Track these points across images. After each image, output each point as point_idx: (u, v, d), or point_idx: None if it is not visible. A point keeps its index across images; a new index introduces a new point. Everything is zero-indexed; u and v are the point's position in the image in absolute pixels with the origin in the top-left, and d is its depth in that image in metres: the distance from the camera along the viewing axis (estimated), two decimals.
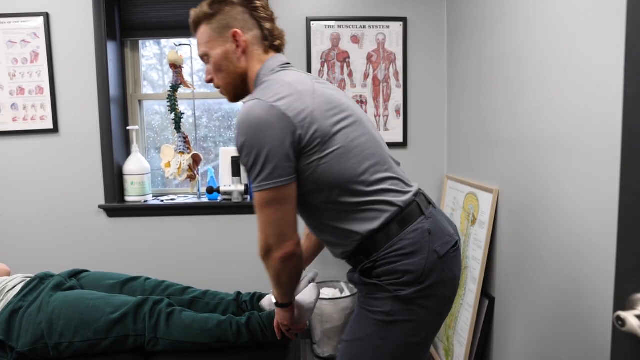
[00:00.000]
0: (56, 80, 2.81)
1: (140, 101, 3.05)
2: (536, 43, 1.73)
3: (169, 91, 2.79)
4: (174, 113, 2.80)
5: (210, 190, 2.80)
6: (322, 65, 2.75)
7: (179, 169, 2.77)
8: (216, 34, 1.30)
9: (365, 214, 1.22)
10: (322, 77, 2.76)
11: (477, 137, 2.33)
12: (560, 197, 1.59)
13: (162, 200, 2.87)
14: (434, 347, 2.54)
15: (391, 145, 2.79)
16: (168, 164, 2.80)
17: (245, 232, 2.86)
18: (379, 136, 1.32)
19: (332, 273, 2.86)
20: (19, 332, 1.55)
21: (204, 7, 1.31)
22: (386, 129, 2.80)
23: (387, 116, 2.79)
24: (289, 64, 1.34)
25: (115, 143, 2.84)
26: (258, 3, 1.32)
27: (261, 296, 1.86)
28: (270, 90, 1.18)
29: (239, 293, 1.89)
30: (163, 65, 3.08)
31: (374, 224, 1.21)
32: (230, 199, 2.79)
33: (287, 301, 1.40)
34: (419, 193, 1.30)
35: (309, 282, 1.85)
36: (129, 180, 2.81)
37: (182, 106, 2.89)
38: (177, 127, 2.81)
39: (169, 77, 2.93)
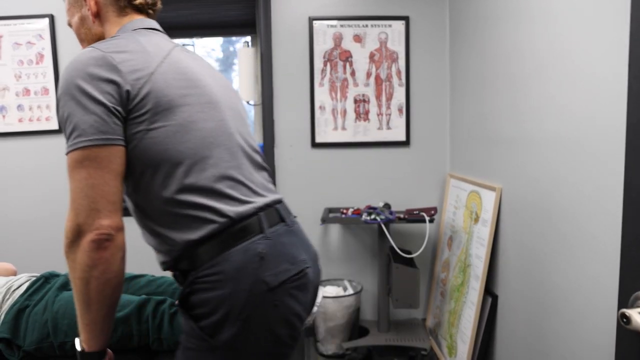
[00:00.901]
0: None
1: None
2: (538, 41, 1.73)
3: None
4: None
5: None
6: (325, 65, 2.76)
7: None
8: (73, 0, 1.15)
9: (185, 220, 0.98)
10: (324, 76, 2.77)
11: (480, 136, 2.33)
12: (563, 195, 1.60)
13: None
14: (438, 345, 2.55)
15: (394, 144, 2.80)
16: None
17: None
18: (239, 130, 1.10)
19: (335, 271, 2.87)
20: (25, 331, 1.56)
21: None
22: (389, 128, 2.80)
23: (390, 115, 2.80)
24: (156, 29, 1.15)
25: None
26: None
27: None
28: (112, 42, 0.99)
29: None
30: None
31: (194, 234, 0.97)
32: None
33: (99, 346, 0.98)
34: (269, 206, 1.05)
35: None
36: None
37: None
38: None
39: None
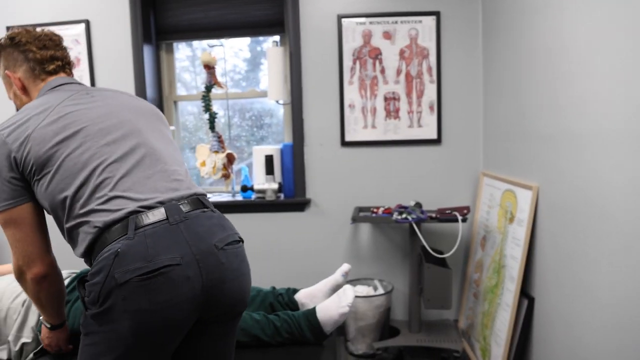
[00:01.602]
0: (96, 84, 2.89)
1: (175, 102, 3.11)
2: (582, 34, 1.66)
3: (203, 92, 2.83)
4: (208, 113, 2.84)
5: (245, 189, 2.83)
6: (354, 63, 2.73)
7: (213, 167, 2.81)
8: (4, 80, 1.43)
9: (78, 237, 1.19)
10: (353, 74, 2.75)
11: (516, 132, 2.26)
12: (604, 195, 1.53)
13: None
14: (470, 347, 2.50)
15: (425, 142, 2.76)
16: (203, 163, 2.84)
17: (279, 229, 2.88)
18: (118, 149, 1.24)
19: (366, 271, 2.85)
20: (73, 320, 1.63)
21: None
22: (419, 126, 2.76)
23: (421, 112, 2.75)
24: (62, 85, 1.36)
25: None
26: (23, 38, 1.38)
27: (295, 290, 1.89)
28: (9, 120, 1.25)
29: (274, 287, 1.92)
30: (195, 67, 3.13)
31: (81, 248, 1.19)
32: (264, 197, 2.81)
33: (57, 322, 1.47)
34: (148, 208, 1.17)
35: (342, 275, 1.86)
36: None
37: (215, 106, 2.92)
38: (212, 127, 2.85)
39: (201, 78, 2.97)
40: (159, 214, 1.16)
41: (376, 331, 2.60)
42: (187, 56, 3.16)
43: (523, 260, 2.06)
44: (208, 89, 2.82)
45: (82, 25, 2.85)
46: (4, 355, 1.65)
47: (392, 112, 2.75)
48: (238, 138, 3.13)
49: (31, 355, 1.64)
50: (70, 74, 1.45)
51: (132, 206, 1.16)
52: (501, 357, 2.14)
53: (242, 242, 1.30)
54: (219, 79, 2.84)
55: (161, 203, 1.18)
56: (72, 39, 2.87)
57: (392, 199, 2.80)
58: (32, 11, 2.88)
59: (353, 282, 2.78)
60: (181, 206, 1.20)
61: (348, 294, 1.69)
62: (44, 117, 1.22)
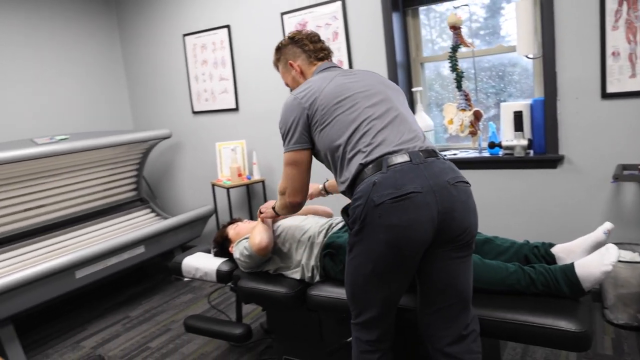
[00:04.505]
0: (352, 54, 3.25)
1: (422, 64, 3.27)
2: None
3: (450, 52, 2.91)
4: (455, 72, 2.92)
5: (492, 145, 2.86)
6: (620, 4, 2.42)
7: (461, 125, 2.90)
8: (283, 69, 1.93)
9: (346, 171, 1.58)
10: (619, 17, 2.43)
11: None
12: None
13: (445, 155, 3.06)
14: None
15: None
16: (450, 121, 2.96)
17: (528, 186, 2.83)
18: (388, 108, 1.63)
19: (629, 235, 2.60)
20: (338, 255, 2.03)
21: (273, 55, 1.96)
22: None
23: None
24: (329, 67, 1.82)
25: None
26: (299, 36, 1.88)
27: (551, 245, 1.89)
28: (299, 87, 1.73)
29: (527, 241, 1.95)
30: (437, 28, 3.20)
31: (347, 181, 1.56)
32: (512, 154, 2.80)
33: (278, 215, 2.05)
34: (396, 152, 1.51)
35: (604, 233, 1.79)
36: None
37: (462, 64, 2.98)
38: (459, 86, 2.93)
39: (443, 39, 3.05)
40: (405, 157, 1.50)
41: None
42: (432, 17, 3.26)
43: None
44: (454, 49, 2.89)
45: (339, 3, 3.22)
46: (297, 276, 2.14)
47: None
48: (487, 95, 3.14)
49: (317, 277, 2.09)
50: (331, 59, 1.91)
51: (385, 150, 1.52)
52: None
53: (469, 185, 1.59)
54: (466, 38, 2.88)
55: (406, 150, 1.52)
56: (331, 15, 3.27)
57: None
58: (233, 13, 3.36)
59: (614, 244, 2.58)
60: (420, 153, 1.52)
61: (612, 252, 1.63)
62: (325, 86, 1.67)
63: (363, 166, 1.52)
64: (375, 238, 1.48)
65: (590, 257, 1.66)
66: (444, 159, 1.59)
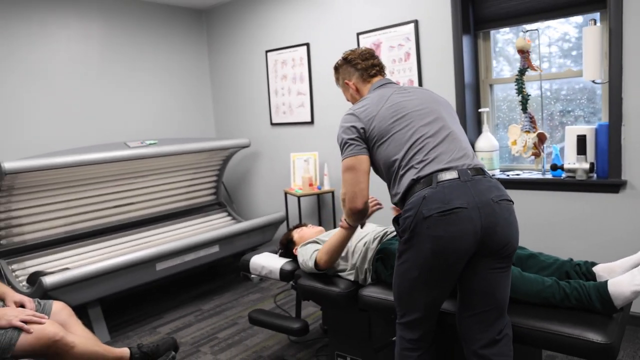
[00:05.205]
0: (423, 74, 3.41)
1: (491, 85, 3.35)
2: None
3: (517, 75, 2.98)
4: (521, 95, 2.98)
5: (555, 167, 2.89)
6: None
7: (524, 146, 2.96)
8: (342, 87, 2.07)
9: (400, 185, 1.69)
10: None
11: None
12: None
13: (507, 175, 3.13)
14: None
15: None
16: (514, 142, 3.02)
17: (589, 209, 2.83)
18: (441, 127, 1.74)
19: None
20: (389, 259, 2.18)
21: (334, 75, 2.10)
22: None
23: None
24: (384, 84, 1.93)
25: (468, 123, 3.25)
26: (352, 56, 2.00)
27: (594, 263, 1.93)
28: (358, 103, 1.87)
29: (571, 259, 2.00)
30: (507, 51, 3.27)
31: (400, 193, 1.68)
32: (574, 176, 2.81)
33: (352, 226, 2.08)
34: (447, 170, 1.62)
35: None
36: (479, 156, 3.17)
37: (530, 88, 3.03)
38: (524, 108, 2.98)
39: (511, 62, 3.11)
40: (453, 174, 1.62)
41: None
42: (503, 41, 3.33)
43: None
44: (522, 72, 2.96)
45: (412, 25, 3.39)
46: (352, 277, 2.32)
47: None
48: (553, 118, 3.16)
49: (369, 279, 2.26)
50: (384, 75, 2.03)
51: (436, 167, 1.64)
52: None
53: (512, 202, 1.69)
54: (533, 62, 2.94)
55: (455, 168, 1.64)
56: (404, 37, 3.44)
57: None
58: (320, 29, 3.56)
59: None
60: (468, 171, 1.64)
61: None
62: (383, 104, 1.80)
63: (415, 181, 1.65)
64: (422, 247, 1.61)
65: (623, 276, 1.70)
66: (491, 177, 1.70)
